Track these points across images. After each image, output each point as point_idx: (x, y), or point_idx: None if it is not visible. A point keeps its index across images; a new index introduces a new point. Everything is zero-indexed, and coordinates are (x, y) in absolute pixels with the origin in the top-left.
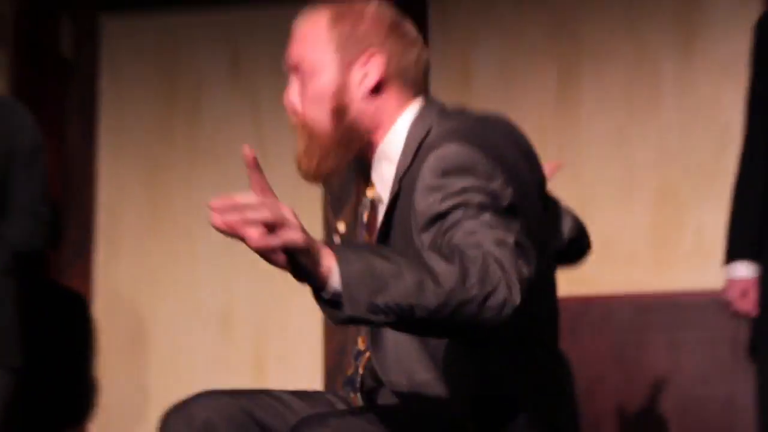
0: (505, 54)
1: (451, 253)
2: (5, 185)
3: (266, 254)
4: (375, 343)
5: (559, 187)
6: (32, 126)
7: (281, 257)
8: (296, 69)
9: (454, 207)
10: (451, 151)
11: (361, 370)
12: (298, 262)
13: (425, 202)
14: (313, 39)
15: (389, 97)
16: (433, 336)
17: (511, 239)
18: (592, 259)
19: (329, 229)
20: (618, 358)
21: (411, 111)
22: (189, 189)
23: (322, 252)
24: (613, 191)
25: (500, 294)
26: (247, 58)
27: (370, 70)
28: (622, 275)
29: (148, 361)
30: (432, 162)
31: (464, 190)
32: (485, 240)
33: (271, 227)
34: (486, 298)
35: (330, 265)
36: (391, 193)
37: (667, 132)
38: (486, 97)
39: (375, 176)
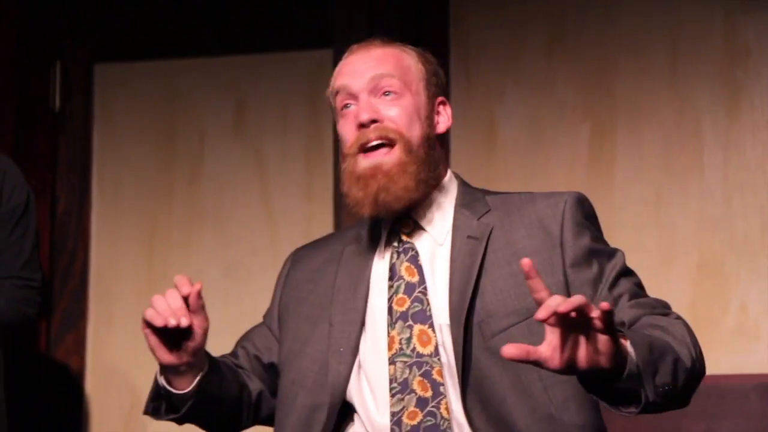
0: (532, 110)
1: (668, 324)
2: None
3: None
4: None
5: None
6: (20, 183)
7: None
8: (383, 85)
9: (610, 254)
10: (584, 198)
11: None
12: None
13: (577, 240)
14: (407, 63)
15: (442, 149)
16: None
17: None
18: None
19: None
20: None
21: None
22: (188, 254)
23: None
24: (649, 262)
25: (704, 368)
26: (252, 110)
27: (445, 115)
28: None
29: None
30: (574, 203)
31: (601, 239)
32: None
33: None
34: (702, 368)
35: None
36: (470, 235)
37: (709, 198)
38: (511, 155)
39: (424, 220)
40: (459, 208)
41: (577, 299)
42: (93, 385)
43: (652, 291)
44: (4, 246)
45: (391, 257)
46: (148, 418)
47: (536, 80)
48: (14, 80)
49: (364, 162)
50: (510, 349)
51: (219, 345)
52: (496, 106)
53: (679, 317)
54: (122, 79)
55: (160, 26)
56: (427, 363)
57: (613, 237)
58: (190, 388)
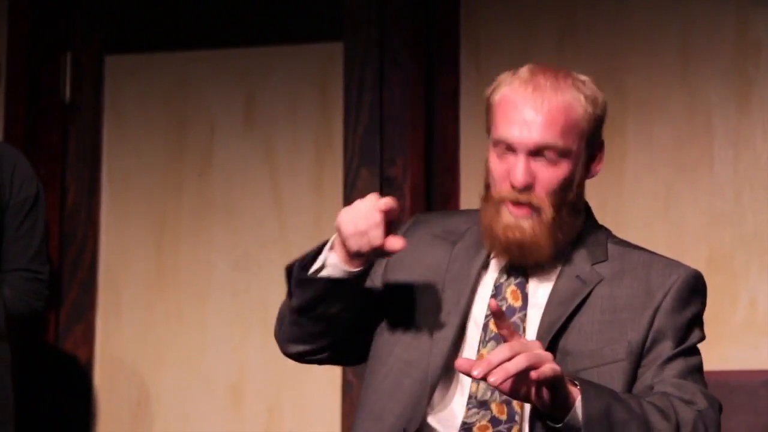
0: None
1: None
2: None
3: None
4: None
5: None
6: (30, 176)
7: (532, 390)
8: (545, 152)
9: (691, 348)
10: (699, 278)
11: None
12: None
13: (672, 315)
14: (576, 118)
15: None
16: None
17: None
18: None
19: None
20: None
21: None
22: (197, 245)
23: (565, 384)
24: None
25: None
26: (262, 102)
27: (599, 158)
28: None
29: None
30: (686, 279)
31: (696, 323)
32: (702, 400)
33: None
34: None
35: (571, 400)
36: (578, 276)
37: (719, 193)
38: None
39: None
40: (578, 247)
41: (518, 365)
42: (101, 376)
43: None
44: (13, 238)
45: (500, 275)
46: (156, 408)
47: None
48: (25, 71)
49: (508, 217)
50: (462, 363)
51: (228, 336)
52: None
53: (703, 411)
54: (133, 71)
55: (171, 18)
56: None
57: (622, 231)
58: (361, 268)
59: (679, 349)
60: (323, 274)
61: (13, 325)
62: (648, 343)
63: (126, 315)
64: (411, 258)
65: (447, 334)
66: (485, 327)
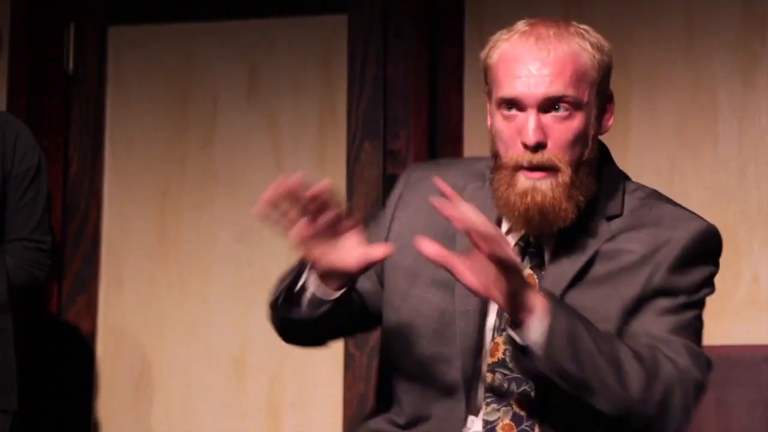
0: None
1: (652, 361)
2: (1, 211)
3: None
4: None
5: None
6: (32, 146)
7: (492, 269)
8: (557, 104)
9: (688, 305)
10: (711, 235)
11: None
12: (509, 285)
13: (673, 274)
14: (584, 67)
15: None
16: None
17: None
18: None
19: None
20: None
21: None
22: (200, 217)
23: (533, 291)
24: None
25: (674, 423)
26: (265, 75)
27: (610, 111)
28: None
29: (154, 405)
30: (696, 238)
31: (704, 284)
32: (685, 357)
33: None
34: (656, 420)
35: (536, 308)
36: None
37: (723, 168)
38: None
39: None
40: (594, 202)
41: (484, 225)
42: (104, 347)
43: None
44: (16, 208)
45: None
46: (158, 379)
47: None
48: (28, 42)
49: (525, 182)
50: (427, 247)
51: (230, 309)
52: None
53: (685, 370)
54: (136, 42)
55: None
56: (526, 382)
57: None
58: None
59: (675, 304)
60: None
61: (15, 295)
62: (642, 299)
63: (128, 286)
64: (412, 233)
65: (467, 341)
66: (500, 313)
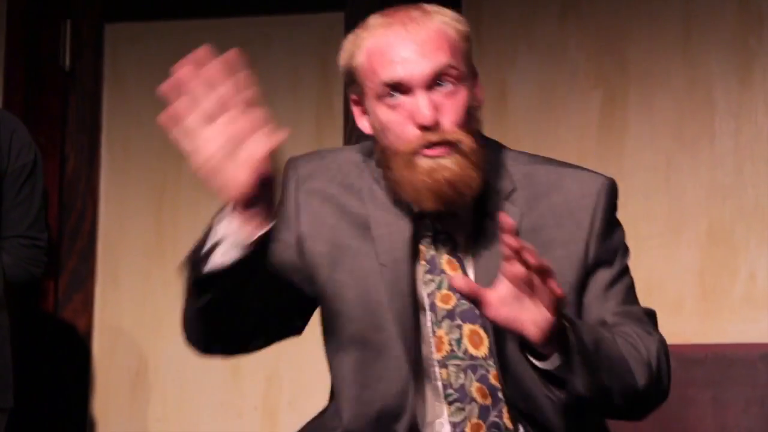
0: (544, 76)
1: (646, 350)
2: None
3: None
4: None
5: None
6: (28, 143)
7: (525, 301)
8: (440, 79)
9: (623, 254)
10: (616, 188)
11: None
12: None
13: (605, 240)
14: (454, 41)
15: None
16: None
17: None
18: None
19: None
20: (658, 417)
21: None
22: (197, 215)
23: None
24: (659, 230)
25: (663, 396)
26: (263, 72)
27: (480, 86)
28: (664, 325)
29: (150, 404)
30: (606, 195)
31: (623, 239)
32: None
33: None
34: (658, 392)
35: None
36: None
37: (719, 166)
38: (522, 121)
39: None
40: (484, 186)
41: (546, 263)
42: (100, 345)
43: (661, 258)
44: (12, 205)
45: (429, 247)
46: (154, 377)
47: (548, 46)
48: (24, 39)
49: (427, 161)
50: (459, 281)
51: None
52: (507, 71)
53: (659, 338)
54: (133, 39)
55: None
56: (482, 366)
57: (622, 204)
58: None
59: (615, 272)
60: (219, 255)
61: (11, 291)
62: (586, 276)
63: (125, 284)
64: (324, 221)
65: (404, 325)
66: (433, 306)
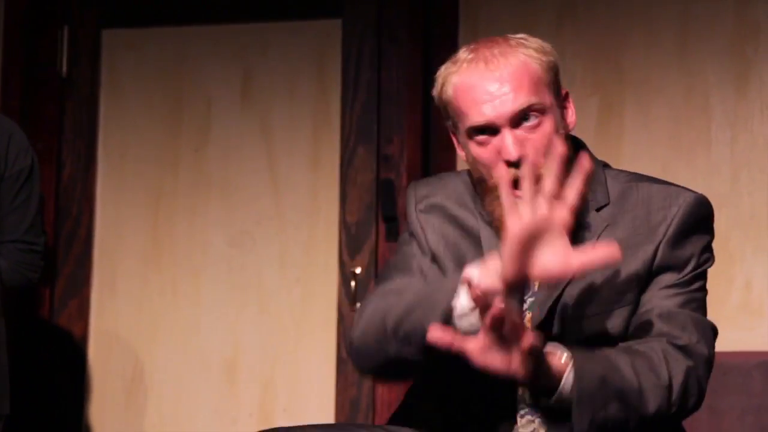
0: None
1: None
2: None
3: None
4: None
5: None
6: (25, 147)
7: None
8: (526, 115)
9: (693, 278)
10: (701, 203)
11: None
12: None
13: (675, 249)
14: (537, 73)
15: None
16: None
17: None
18: None
19: (344, 269)
20: None
21: None
22: (193, 221)
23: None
24: None
25: (687, 413)
26: (259, 79)
27: (570, 108)
28: None
29: (146, 409)
30: (687, 209)
31: (704, 253)
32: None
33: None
34: (679, 416)
35: (562, 370)
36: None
37: (715, 174)
38: None
39: None
40: (584, 204)
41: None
42: (96, 351)
43: None
44: (8, 210)
45: None
46: (150, 384)
47: None
48: (22, 45)
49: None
50: (437, 333)
51: (222, 313)
52: None
53: (696, 357)
54: (130, 45)
55: None
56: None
57: None
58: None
59: (680, 278)
60: (465, 323)
61: (7, 298)
62: (648, 276)
63: (121, 290)
64: (445, 239)
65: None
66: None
